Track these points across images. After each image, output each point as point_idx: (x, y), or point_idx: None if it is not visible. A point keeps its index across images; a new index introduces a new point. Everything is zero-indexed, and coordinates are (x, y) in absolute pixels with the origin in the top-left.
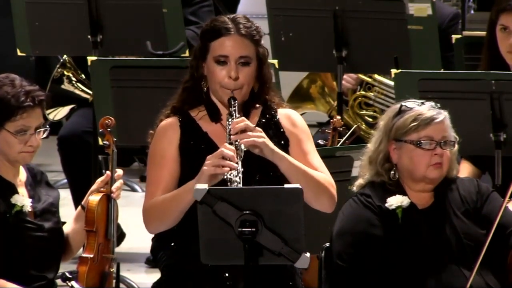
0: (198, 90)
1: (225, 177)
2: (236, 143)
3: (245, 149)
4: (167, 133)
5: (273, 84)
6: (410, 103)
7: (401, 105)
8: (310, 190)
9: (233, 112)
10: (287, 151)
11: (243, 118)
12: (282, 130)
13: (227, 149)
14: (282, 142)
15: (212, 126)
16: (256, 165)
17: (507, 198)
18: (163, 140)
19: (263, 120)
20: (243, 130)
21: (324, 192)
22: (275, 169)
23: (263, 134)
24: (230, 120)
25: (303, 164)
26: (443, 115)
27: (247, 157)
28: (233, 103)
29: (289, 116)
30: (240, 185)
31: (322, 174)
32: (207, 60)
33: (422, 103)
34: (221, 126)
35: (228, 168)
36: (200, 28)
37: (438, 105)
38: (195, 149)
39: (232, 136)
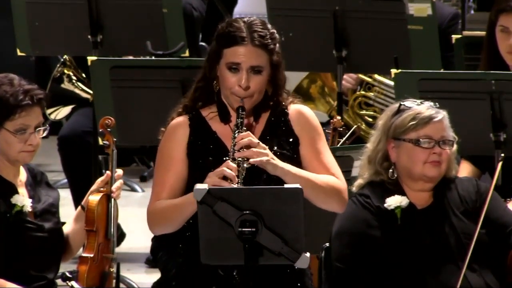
0: (209, 90)
1: None
2: (239, 159)
3: (247, 166)
4: (176, 132)
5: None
6: (408, 102)
7: (400, 104)
8: (318, 196)
9: (239, 124)
10: (297, 149)
11: (248, 132)
12: (292, 128)
13: (228, 169)
14: (292, 140)
15: (222, 127)
16: None
17: (494, 182)
18: (171, 139)
19: (273, 119)
20: (247, 146)
21: (332, 196)
22: None
23: (267, 150)
24: (236, 132)
25: (316, 164)
26: (442, 114)
27: None
28: (240, 113)
29: (301, 112)
30: None
31: (331, 177)
32: (220, 65)
33: (421, 102)
34: (230, 127)
35: None
36: None
37: (437, 104)
38: (203, 149)
39: (236, 153)
